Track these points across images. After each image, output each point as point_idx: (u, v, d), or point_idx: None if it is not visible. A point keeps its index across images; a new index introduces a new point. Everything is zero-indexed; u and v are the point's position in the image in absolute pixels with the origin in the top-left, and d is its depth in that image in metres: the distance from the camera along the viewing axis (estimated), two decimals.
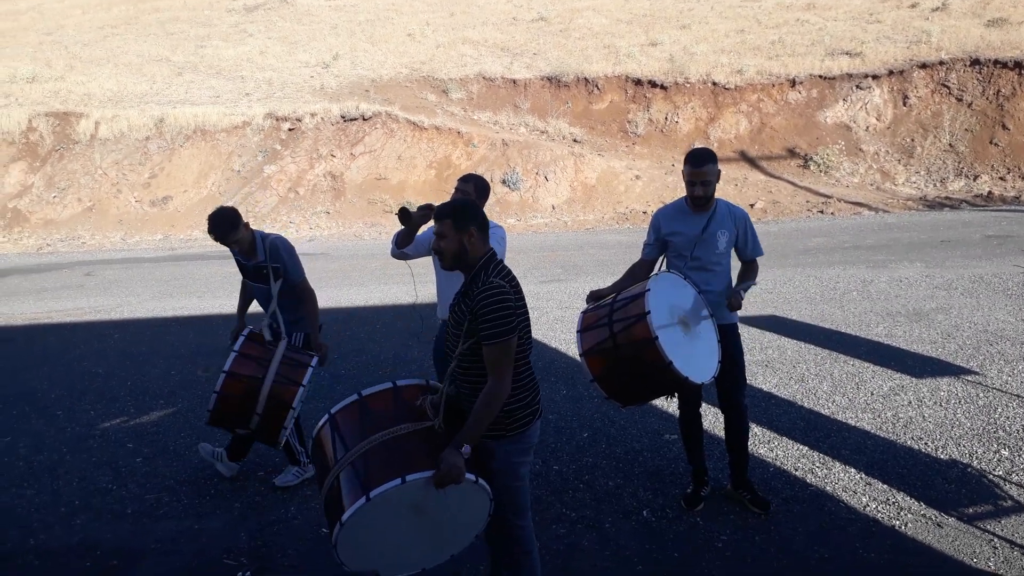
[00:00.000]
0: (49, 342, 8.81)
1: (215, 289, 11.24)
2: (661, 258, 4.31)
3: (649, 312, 3.50)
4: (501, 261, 2.96)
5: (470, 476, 2.69)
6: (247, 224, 4.61)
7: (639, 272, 4.25)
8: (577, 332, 3.79)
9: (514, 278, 2.94)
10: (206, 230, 4.50)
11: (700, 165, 4.01)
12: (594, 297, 4.00)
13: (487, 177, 15.81)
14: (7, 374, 7.61)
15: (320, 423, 2.97)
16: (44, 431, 5.99)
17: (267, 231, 4.82)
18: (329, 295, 10.22)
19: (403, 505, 2.69)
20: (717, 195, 4.20)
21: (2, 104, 23.77)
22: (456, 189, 4.38)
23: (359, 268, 13.16)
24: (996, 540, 3.91)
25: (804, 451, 5.06)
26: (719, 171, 4.08)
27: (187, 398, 6.61)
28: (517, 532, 3.04)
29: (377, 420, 2.83)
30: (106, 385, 7.10)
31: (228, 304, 10.09)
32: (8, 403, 6.69)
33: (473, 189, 4.36)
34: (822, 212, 17.53)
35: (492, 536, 3.11)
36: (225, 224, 4.48)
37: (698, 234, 4.09)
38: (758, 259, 4.32)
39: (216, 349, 7.89)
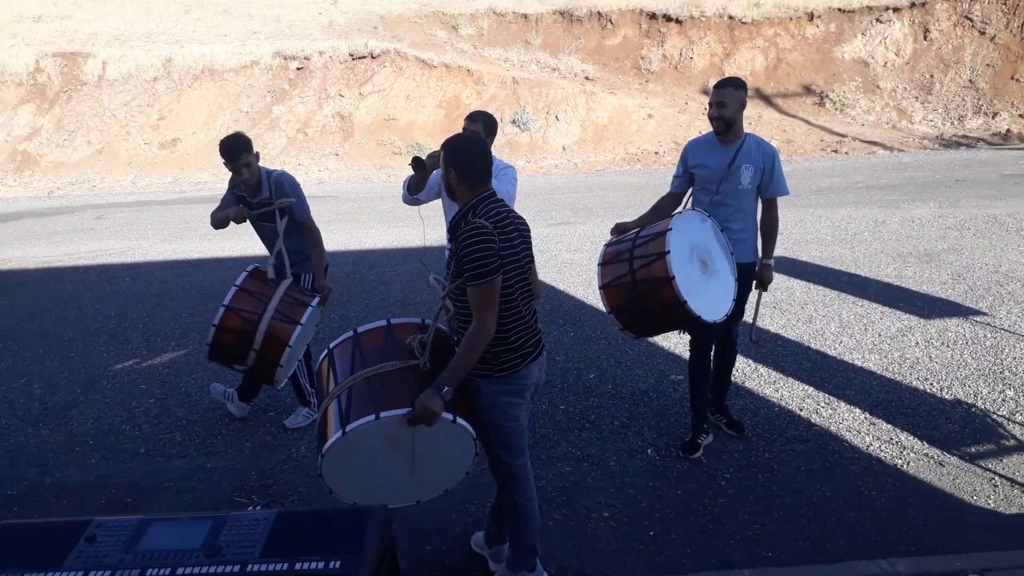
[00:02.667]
0: (62, 285, 8.88)
1: (226, 232, 11.23)
2: (689, 191, 4.29)
3: (669, 252, 3.54)
4: (497, 201, 2.87)
5: (447, 415, 2.70)
6: (258, 154, 4.56)
7: (665, 205, 4.28)
8: (598, 264, 3.87)
9: (508, 218, 2.85)
10: (220, 152, 4.42)
11: (720, 87, 4.01)
12: (618, 230, 4.04)
13: (497, 117, 15.46)
14: (21, 316, 7.71)
15: (320, 357, 3.07)
16: (58, 372, 6.09)
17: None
18: (338, 238, 10.22)
19: (380, 441, 2.73)
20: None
21: (9, 44, 23.51)
22: (464, 128, 4.32)
23: (368, 210, 13.12)
24: (997, 479, 3.95)
25: (809, 391, 5.08)
26: (743, 98, 3.99)
27: (198, 340, 6.67)
28: (512, 471, 3.07)
29: (366, 356, 2.88)
30: (118, 327, 7.18)
31: (239, 247, 10.12)
32: (22, 345, 6.79)
33: (481, 127, 4.30)
34: (836, 151, 17.26)
35: (494, 473, 3.16)
36: (239, 144, 4.41)
37: (724, 167, 4.05)
38: (780, 200, 4.22)
39: (227, 292, 7.92)
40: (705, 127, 3.81)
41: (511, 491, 3.12)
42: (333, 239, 9.27)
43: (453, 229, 2.81)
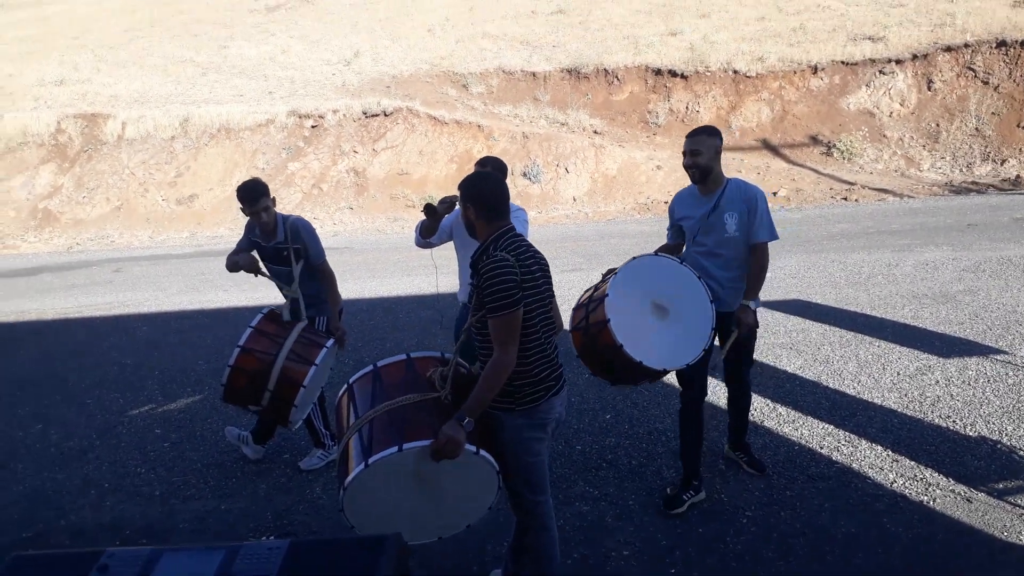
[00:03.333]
0: (79, 335, 8.95)
1: (241, 283, 11.34)
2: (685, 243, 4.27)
3: (607, 295, 3.52)
4: (517, 236, 2.90)
5: (470, 448, 2.69)
6: (274, 199, 4.63)
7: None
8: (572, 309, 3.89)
9: (528, 251, 2.88)
10: (239, 197, 4.50)
11: (693, 135, 3.95)
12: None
13: (508, 170, 15.72)
14: (39, 365, 7.75)
15: (340, 392, 3.07)
16: (74, 419, 6.09)
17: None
18: (352, 287, 10.28)
19: (403, 473, 2.71)
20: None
21: (32, 107, 24.16)
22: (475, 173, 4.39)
23: (382, 260, 13.23)
24: None
25: (830, 430, 5.02)
26: (718, 145, 3.92)
27: (213, 386, 6.68)
28: (533, 507, 3.03)
29: (387, 390, 2.88)
30: (134, 375, 7.20)
31: (255, 297, 10.20)
32: (40, 392, 6.82)
33: (492, 171, 4.36)
34: (846, 199, 17.32)
35: (514, 509, 3.12)
36: (259, 188, 4.50)
37: (705, 217, 3.96)
38: (770, 245, 4.00)
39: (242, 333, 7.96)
40: None
41: (533, 528, 3.07)
42: (348, 288, 9.32)
43: (475, 263, 2.85)
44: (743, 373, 4.33)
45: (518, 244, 2.86)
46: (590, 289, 3.87)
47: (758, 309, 4.12)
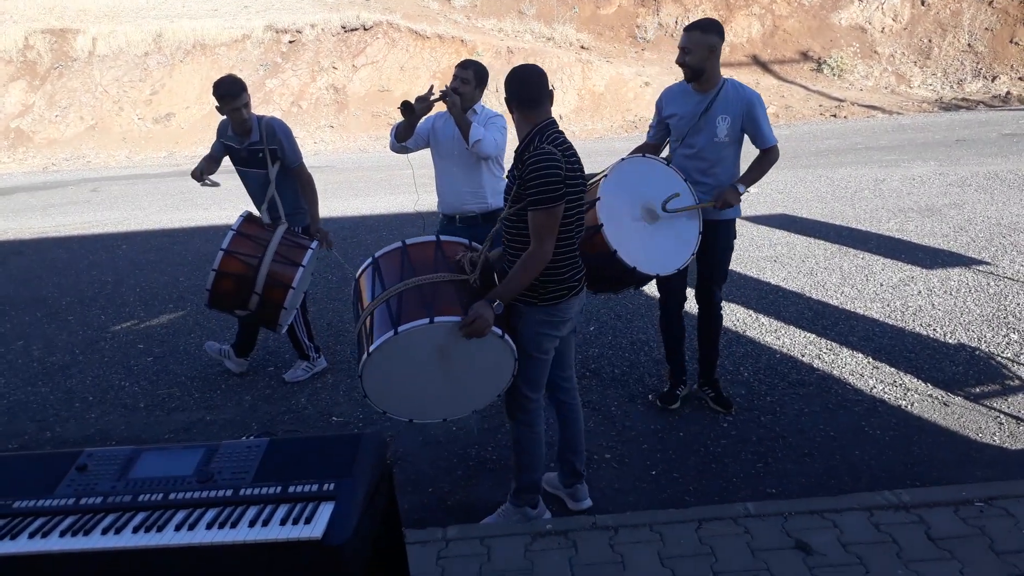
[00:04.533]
0: (58, 254, 8.82)
1: (221, 201, 11.14)
2: (667, 142, 4.07)
3: (599, 199, 3.41)
4: (560, 131, 2.86)
5: (496, 330, 2.74)
6: (249, 101, 4.49)
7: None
8: None
9: (571, 148, 2.84)
10: (216, 93, 4.34)
11: (687, 31, 3.73)
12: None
13: (492, 87, 15.45)
14: (18, 283, 7.65)
15: (364, 265, 3.06)
16: (56, 335, 6.04)
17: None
18: (335, 205, 10.14)
19: (428, 346, 2.76)
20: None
21: None
22: (454, 75, 4.24)
23: (364, 179, 13.03)
24: (1002, 416, 3.93)
25: (812, 338, 5.05)
26: (712, 42, 3.66)
27: (196, 302, 6.63)
28: (524, 403, 3.07)
29: (416, 267, 2.91)
30: (115, 292, 7.13)
31: (235, 214, 10.03)
32: (20, 310, 6.74)
33: (473, 76, 4.20)
34: (835, 116, 17.14)
35: (506, 404, 3.15)
36: (238, 84, 4.37)
37: (696, 117, 3.76)
38: (774, 151, 3.83)
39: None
40: None
41: (519, 423, 3.13)
42: (330, 206, 9.19)
43: (520, 154, 2.82)
44: (714, 292, 4.08)
45: (563, 140, 2.84)
46: None
47: (738, 221, 4.03)
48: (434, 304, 2.75)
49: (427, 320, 2.69)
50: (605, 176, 3.53)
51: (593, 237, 3.40)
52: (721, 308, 4.18)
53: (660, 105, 4.00)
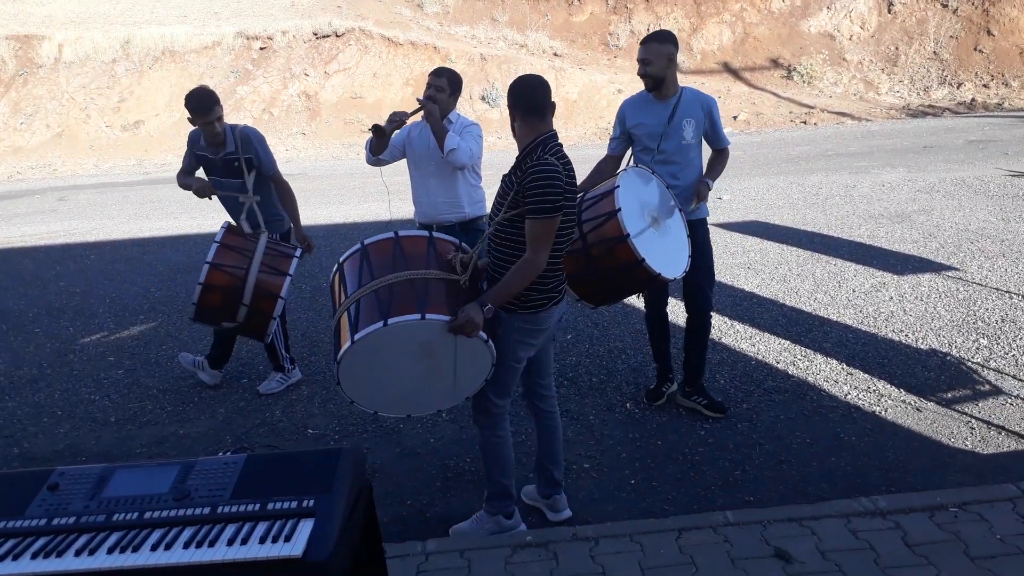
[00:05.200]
0: (24, 264, 8.65)
1: (191, 210, 11.00)
2: (629, 152, 4.17)
3: (620, 209, 3.41)
4: (560, 144, 2.90)
5: (482, 334, 2.76)
6: (222, 113, 4.44)
7: (606, 168, 4.12)
8: None
9: (569, 163, 2.90)
10: (188, 106, 4.29)
11: (645, 43, 3.89)
12: None
13: (466, 94, 15.48)
14: None
15: (350, 251, 2.99)
16: (23, 348, 5.92)
17: None
18: (308, 213, 10.00)
19: (414, 342, 2.76)
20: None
21: None
22: (428, 83, 4.23)
23: (337, 187, 12.95)
24: (974, 421, 3.99)
25: (786, 345, 5.10)
26: (670, 52, 3.84)
27: (167, 313, 6.54)
28: (491, 408, 3.09)
29: (409, 259, 2.90)
30: (84, 303, 7.00)
31: (207, 223, 9.92)
32: None
33: (447, 83, 4.20)
34: (805, 123, 17.36)
35: (473, 408, 3.16)
36: (210, 97, 4.33)
37: (664, 124, 3.90)
38: (729, 165, 4.16)
39: (196, 266, 7.77)
40: None
41: (484, 427, 3.14)
42: (304, 214, 9.03)
43: (520, 163, 2.85)
44: (706, 292, 4.12)
45: (564, 154, 2.88)
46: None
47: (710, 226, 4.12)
48: (425, 300, 2.75)
49: (418, 316, 2.69)
50: (617, 187, 3.51)
51: (615, 248, 3.42)
52: (711, 306, 4.21)
53: (622, 117, 4.09)
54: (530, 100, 2.88)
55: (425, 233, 3.08)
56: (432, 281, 2.84)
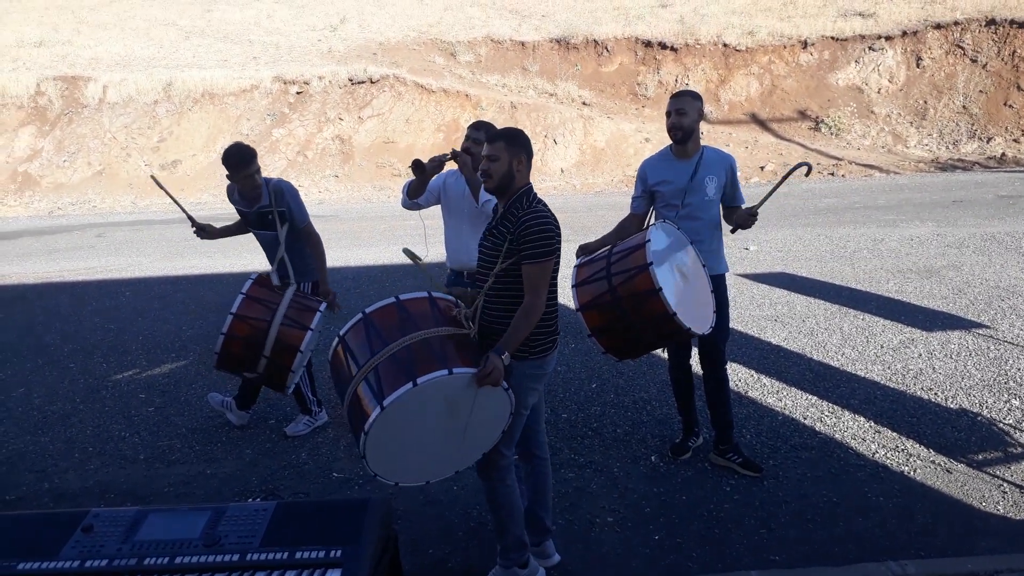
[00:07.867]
0: (61, 299, 8.86)
1: (226, 249, 11.22)
2: (651, 211, 4.20)
3: (651, 263, 3.44)
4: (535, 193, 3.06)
5: (504, 383, 2.80)
6: (259, 168, 4.58)
7: (628, 227, 4.15)
8: (572, 287, 3.69)
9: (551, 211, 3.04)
10: (225, 162, 4.43)
11: (678, 96, 4.00)
12: (584, 251, 3.90)
13: None
14: (20, 329, 7.67)
15: (351, 323, 2.97)
16: (57, 383, 6.04)
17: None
18: (339, 255, 10.22)
19: (441, 400, 2.74)
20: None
21: (10, 68, 23.67)
22: (467, 136, 4.34)
23: (368, 229, 13.15)
24: (1005, 485, 3.92)
25: (813, 400, 5.06)
26: (701, 108, 3.98)
27: (199, 351, 6.64)
28: (497, 459, 3.09)
29: (417, 321, 2.91)
30: (118, 340, 7.14)
31: (239, 263, 10.12)
32: (21, 357, 6.75)
33: (485, 136, 4.30)
34: (832, 174, 17.37)
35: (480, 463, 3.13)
36: (247, 154, 4.45)
37: (687, 181, 3.98)
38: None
39: (228, 305, 7.91)
40: None
41: (491, 479, 3.12)
42: (334, 256, 9.24)
43: (511, 210, 2.96)
44: (720, 348, 4.10)
45: (543, 201, 3.03)
46: (592, 262, 3.74)
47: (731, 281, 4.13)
48: (447, 357, 2.76)
49: (446, 371, 2.68)
50: (648, 241, 3.54)
51: (647, 301, 3.43)
52: (726, 369, 4.19)
53: (643, 175, 4.16)
54: (530, 150, 3.05)
55: (423, 293, 3.07)
56: (445, 337, 2.87)
